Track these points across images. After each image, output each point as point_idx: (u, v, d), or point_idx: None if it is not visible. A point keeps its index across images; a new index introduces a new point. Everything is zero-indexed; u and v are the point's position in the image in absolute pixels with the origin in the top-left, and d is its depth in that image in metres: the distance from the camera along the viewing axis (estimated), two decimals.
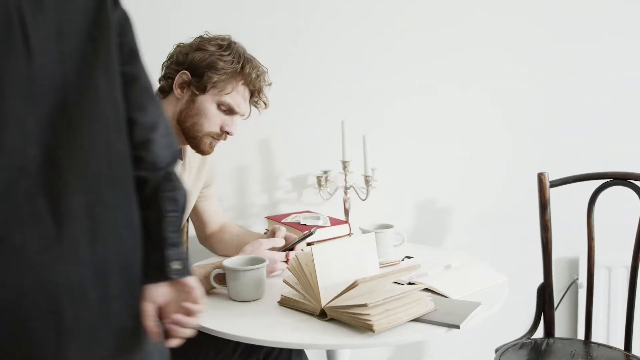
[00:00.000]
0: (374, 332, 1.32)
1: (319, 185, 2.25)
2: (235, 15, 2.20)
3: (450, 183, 2.39)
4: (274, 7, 2.24)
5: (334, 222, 2.05)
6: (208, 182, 1.97)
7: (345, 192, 2.22)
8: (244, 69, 1.72)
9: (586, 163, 2.27)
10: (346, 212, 2.22)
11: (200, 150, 1.77)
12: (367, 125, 2.26)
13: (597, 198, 2.02)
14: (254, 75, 1.73)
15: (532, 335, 2.06)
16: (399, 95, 2.34)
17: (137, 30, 1.17)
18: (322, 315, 1.43)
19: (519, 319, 2.32)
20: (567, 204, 2.19)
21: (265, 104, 1.84)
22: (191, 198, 1.88)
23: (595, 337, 2.38)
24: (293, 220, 2.05)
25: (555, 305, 2.12)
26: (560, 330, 2.44)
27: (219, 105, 1.72)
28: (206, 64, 1.69)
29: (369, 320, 1.32)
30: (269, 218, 2.14)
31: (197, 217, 2.01)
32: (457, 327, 1.36)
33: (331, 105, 2.30)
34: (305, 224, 2.00)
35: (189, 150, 1.83)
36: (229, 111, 1.74)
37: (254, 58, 1.78)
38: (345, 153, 2.18)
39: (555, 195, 2.06)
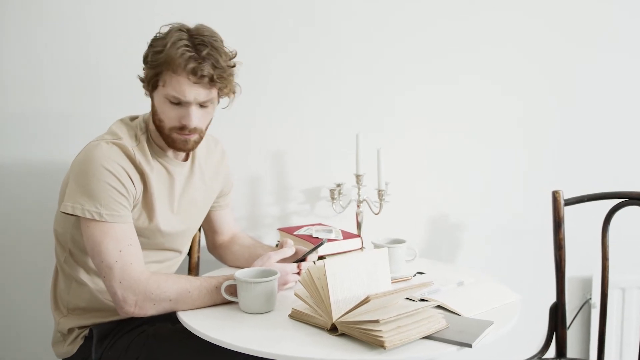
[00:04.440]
0: (385, 348, 1.31)
1: (332, 198, 2.24)
2: (249, 26, 2.21)
3: (463, 199, 2.38)
4: (289, 18, 2.24)
5: (346, 235, 2.04)
6: (224, 191, 1.96)
7: (358, 206, 2.21)
8: (168, 57, 1.57)
9: (602, 182, 2.25)
10: (359, 225, 2.21)
11: (175, 147, 1.68)
12: (382, 139, 2.25)
13: (612, 217, 1.99)
14: (179, 60, 1.57)
15: (543, 354, 2.03)
16: (414, 110, 2.33)
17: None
18: (333, 330, 1.42)
19: (530, 338, 2.30)
20: (582, 223, 2.18)
21: (223, 82, 1.62)
22: (203, 205, 1.88)
23: (608, 358, 2.35)
24: (305, 233, 2.05)
25: (567, 324, 2.10)
26: (572, 351, 2.42)
27: (168, 99, 1.62)
28: (144, 59, 1.64)
29: (381, 337, 1.31)
30: (280, 230, 2.14)
31: (209, 225, 2.00)
32: (470, 345, 1.35)
33: (346, 118, 2.30)
34: (317, 237, 1.99)
35: (199, 155, 1.83)
36: (180, 103, 1.62)
37: (190, 37, 1.60)
38: (359, 166, 2.18)
39: (569, 213, 2.05)
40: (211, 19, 2.08)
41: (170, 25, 1.65)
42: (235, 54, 1.70)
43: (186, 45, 1.58)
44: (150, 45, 1.65)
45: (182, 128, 1.64)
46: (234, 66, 1.67)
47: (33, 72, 2.16)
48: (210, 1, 2.20)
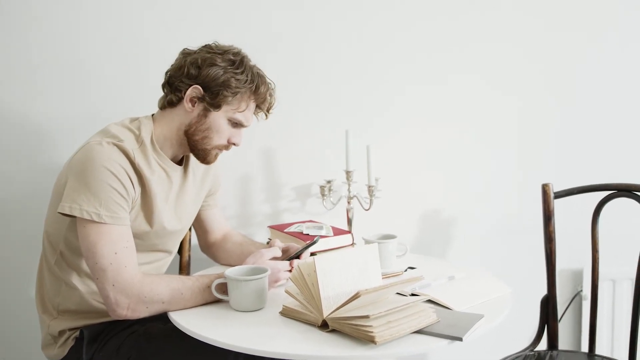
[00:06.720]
0: (375, 343, 1.31)
1: (322, 194, 2.24)
2: (241, 24, 2.21)
3: (454, 194, 2.39)
4: (280, 16, 2.24)
5: (337, 232, 2.04)
6: (212, 191, 1.96)
7: (349, 202, 2.21)
8: (258, 89, 1.72)
9: (591, 174, 2.26)
10: (349, 222, 2.21)
11: (206, 161, 1.77)
12: (371, 135, 2.25)
13: (601, 209, 2.00)
14: (267, 96, 1.76)
15: (535, 347, 2.04)
16: (403, 106, 2.33)
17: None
18: (324, 326, 1.42)
19: (522, 331, 2.30)
20: (572, 215, 2.18)
21: (266, 116, 1.84)
22: (194, 205, 1.88)
23: (600, 350, 2.37)
24: (296, 230, 2.05)
25: (559, 317, 2.10)
26: (563, 343, 2.43)
27: (229, 120, 1.72)
28: (221, 82, 1.66)
29: (371, 332, 1.31)
30: (271, 227, 2.14)
31: (200, 225, 2.00)
32: (460, 339, 1.35)
33: (335, 114, 2.30)
34: (308, 234, 1.99)
35: (192, 158, 1.83)
36: (238, 125, 1.74)
37: (264, 73, 1.76)
38: (349, 163, 2.18)
39: (559, 206, 2.05)
40: (203, 20, 2.09)
41: (237, 49, 1.74)
42: None
43: (269, 82, 1.77)
44: (216, 66, 1.67)
45: (227, 146, 1.76)
46: None
47: (25, 73, 2.15)
48: (204, 1, 2.19)
